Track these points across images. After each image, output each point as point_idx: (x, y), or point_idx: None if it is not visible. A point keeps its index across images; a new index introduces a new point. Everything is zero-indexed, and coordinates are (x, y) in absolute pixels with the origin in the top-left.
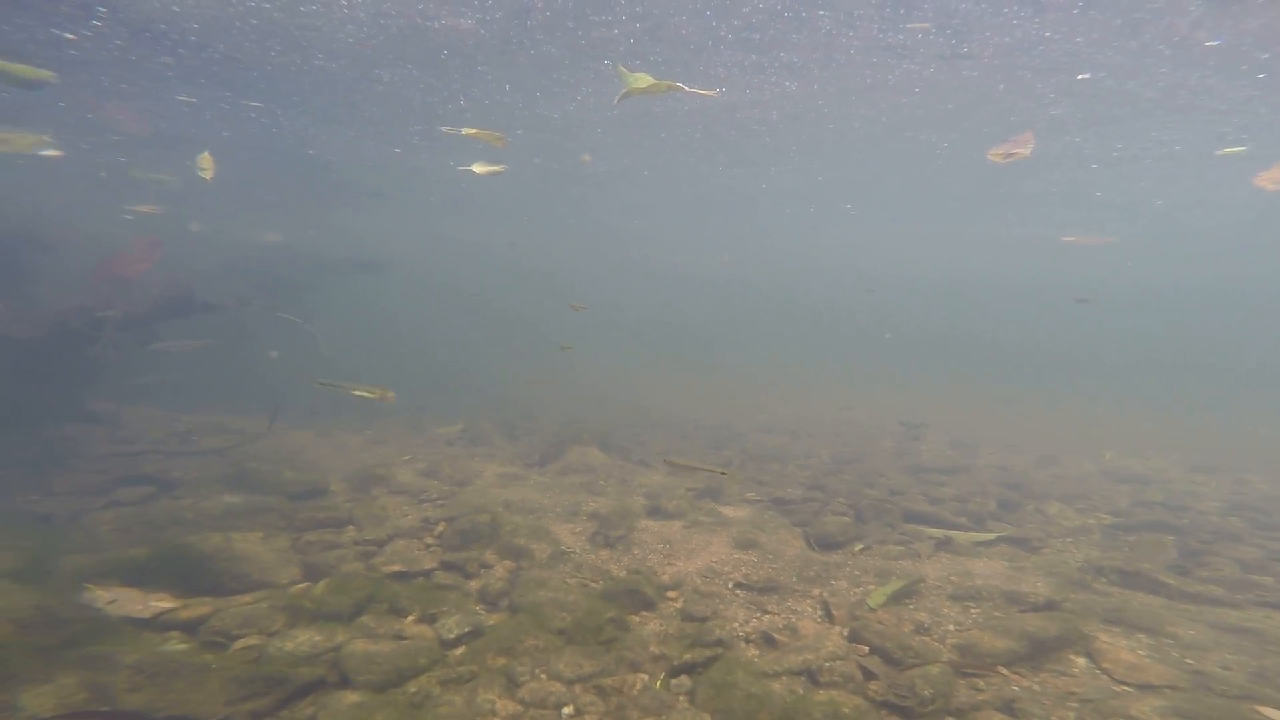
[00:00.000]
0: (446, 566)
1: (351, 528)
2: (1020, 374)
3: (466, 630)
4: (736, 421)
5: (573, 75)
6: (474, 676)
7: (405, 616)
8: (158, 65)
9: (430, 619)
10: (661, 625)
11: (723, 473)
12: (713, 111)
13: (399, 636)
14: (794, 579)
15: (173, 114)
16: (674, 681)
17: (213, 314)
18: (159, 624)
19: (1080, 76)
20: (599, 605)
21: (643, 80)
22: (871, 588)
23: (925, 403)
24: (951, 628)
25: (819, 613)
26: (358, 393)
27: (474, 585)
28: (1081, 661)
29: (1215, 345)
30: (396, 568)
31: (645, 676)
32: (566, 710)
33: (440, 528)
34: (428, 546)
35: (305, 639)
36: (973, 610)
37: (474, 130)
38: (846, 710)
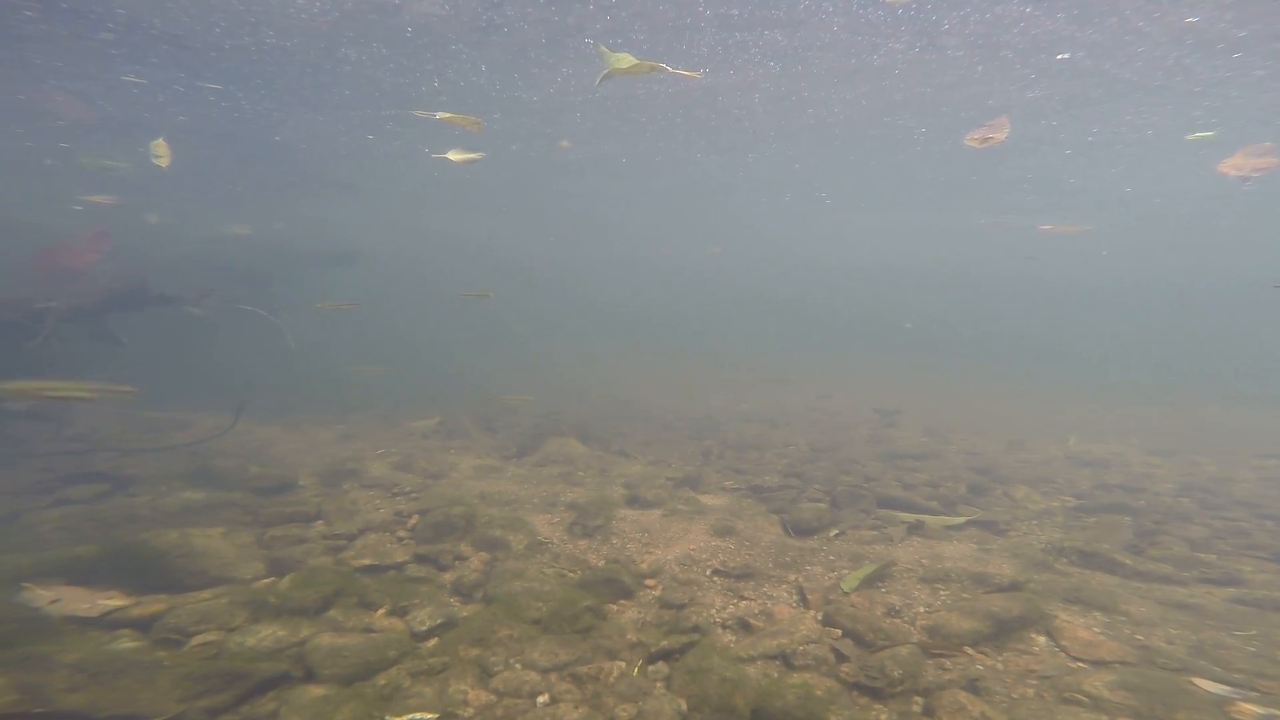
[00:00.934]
0: (419, 559)
1: (320, 522)
2: (990, 361)
3: (439, 622)
4: (717, 412)
5: (551, 55)
6: (446, 668)
7: (375, 610)
8: (98, 43)
9: (401, 612)
10: (639, 613)
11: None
12: (695, 94)
13: (368, 630)
14: (770, 565)
15: (119, 97)
16: (651, 668)
17: (169, 307)
18: (107, 623)
19: (1060, 56)
20: (576, 594)
21: (625, 60)
22: (845, 572)
23: (900, 390)
24: (921, 609)
25: (794, 597)
26: (57, 395)
27: (448, 577)
28: (1042, 640)
29: (1171, 333)
30: (367, 561)
31: (622, 664)
32: (542, 699)
33: (413, 521)
34: (400, 540)
35: (268, 634)
36: (942, 592)
37: (449, 115)
38: (819, 692)
